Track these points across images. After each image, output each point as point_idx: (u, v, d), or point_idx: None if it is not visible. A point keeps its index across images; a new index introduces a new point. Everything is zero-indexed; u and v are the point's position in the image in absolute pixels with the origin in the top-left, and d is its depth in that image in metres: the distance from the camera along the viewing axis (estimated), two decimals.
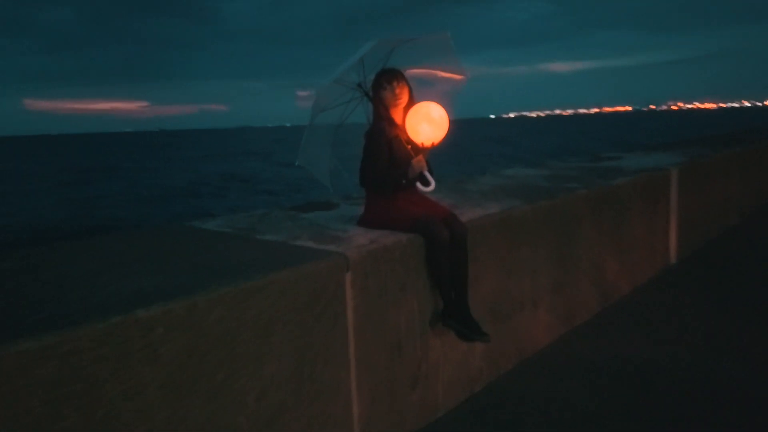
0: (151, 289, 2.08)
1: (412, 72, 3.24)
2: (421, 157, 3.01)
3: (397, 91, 3.04)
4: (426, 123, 2.95)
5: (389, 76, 3.05)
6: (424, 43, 3.15)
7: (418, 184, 3.04)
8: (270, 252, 2.67)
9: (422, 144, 3.01)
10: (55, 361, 1.70)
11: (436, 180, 3.11)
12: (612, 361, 3.68)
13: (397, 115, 3.09)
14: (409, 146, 3.06)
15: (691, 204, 5.99)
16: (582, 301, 4.30)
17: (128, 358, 1.86)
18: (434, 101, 3.10)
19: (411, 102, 3.10)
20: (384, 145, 3.05)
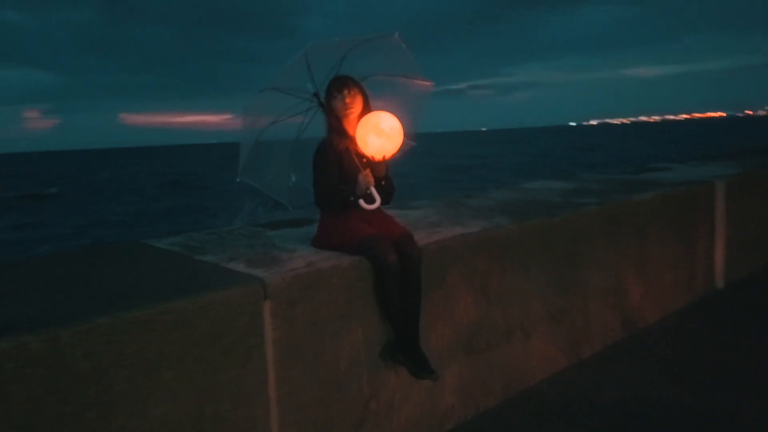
0: (18, 320, 1.92)
1: (375, 79, 2.97)
2: (368, 171, 2.73)
3: (348, 99, 2.78)
4: (374, 134, 2.67)
5: (340, 84, 2.80)
6: (378, 47, 2.87)
7: (361, 202, 2.76)
8: (187, 277, 2.45)
9: (372, 157, 2.73)
10: None
11: (383, 197, 2.83)
12: (616, 401, 3.22)
13: (350, 125, 2.82)
14: (365, 160, 2.78)
15: (744, 220, 5.31)
16: (591, 331, 3.84)
17: None
18: (392, 110, 2.83)
19: (366, 111, 2.83)
20: (332, 158, 2.80)
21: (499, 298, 3.27)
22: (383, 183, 2.86)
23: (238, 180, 2.82)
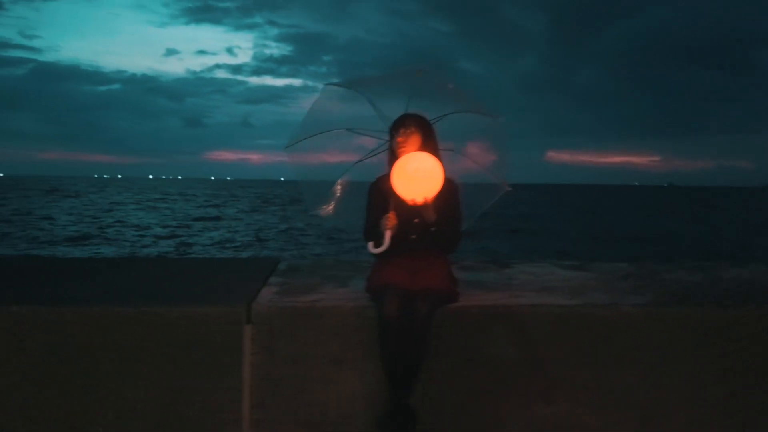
0: (51, 296, 2.54)
1: (452, 117, 2.74)
2: (391, 214, 2.53)
3: (400, 138, 2.63)
4: (398, 176, 2.46)
5: (397, 123, 2.67)
6: (431, 82, 2.62)
7: (370, 244, 2.55)
8: (214, 290, 2.72)
9: (406, 200, 2.51)
10: None
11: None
12: None
13: None
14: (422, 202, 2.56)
15: None
16: None
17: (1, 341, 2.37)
18: (473, 153, 2.61)
19: (427, 150, 2.61)
20: (377, 197, 2.69)
21: (596, 400, 2.51)
22: (432, 229, 2.59)
23: (310, 214, 2.94)
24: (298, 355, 2.46)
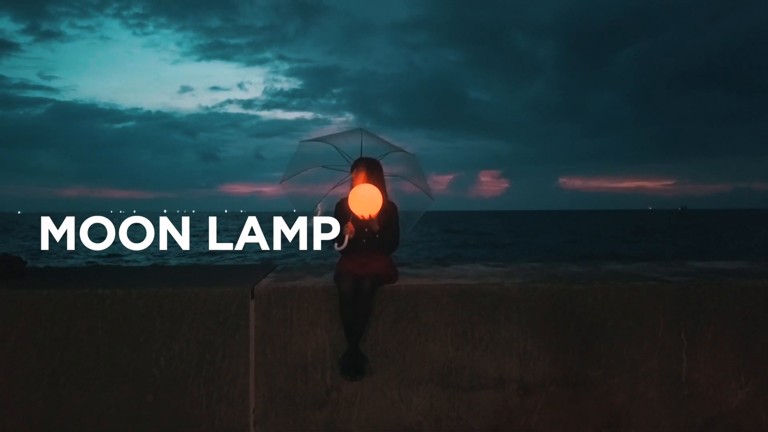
0: (133, 283, 3.79)
1: (390, 156, 4.02)
2: (350, 224, 3.78)
3: (353, 175, 3.92)
4: (351, 200, 3.72)
5: (353, 165, 3.97)
6: (365, 136, 3.93)
7: (336, 244, 3.79)
8: (233, 277, 3.97)
9: (356, 215, 3.76)
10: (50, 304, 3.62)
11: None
12: None
13: None
14: (368, 217, 3.81)
15: None
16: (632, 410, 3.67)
17: (90, 312, 3.62)
18: (408, 178, 3.90)
19: (371, 182, 3.86)
20: (340, 214, 3.95)
21: (489, 347, 3.70)
22: (377, 236, 3.84)
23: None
24: (286, 319, 3.69)
